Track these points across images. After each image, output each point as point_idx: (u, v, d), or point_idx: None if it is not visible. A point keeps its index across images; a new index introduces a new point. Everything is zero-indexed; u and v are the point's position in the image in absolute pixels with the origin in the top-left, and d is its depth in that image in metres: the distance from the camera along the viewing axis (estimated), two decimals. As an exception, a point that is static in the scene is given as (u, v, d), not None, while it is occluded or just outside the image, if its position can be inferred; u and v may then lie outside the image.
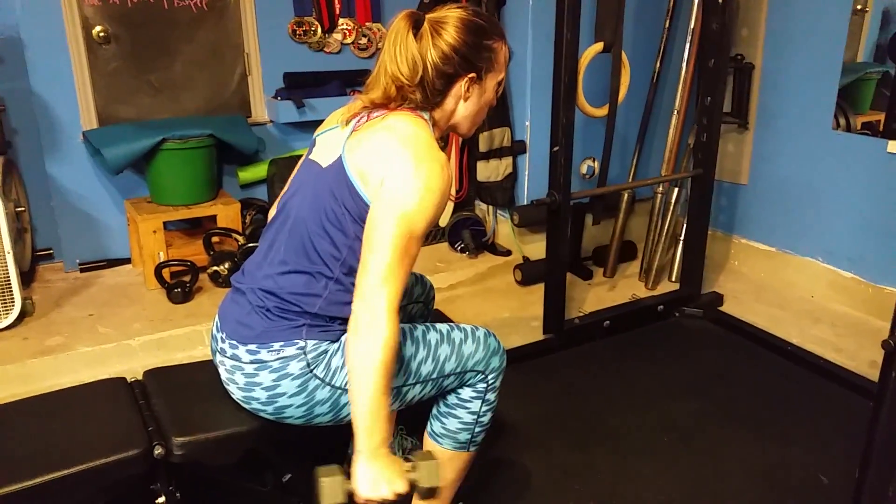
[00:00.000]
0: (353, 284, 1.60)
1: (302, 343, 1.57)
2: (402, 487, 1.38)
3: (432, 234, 3.91)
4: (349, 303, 1.60)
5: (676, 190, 3.54)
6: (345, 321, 1.62)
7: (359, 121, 1.60)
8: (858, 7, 3.10)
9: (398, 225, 1.44)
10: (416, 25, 1.58)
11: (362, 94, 1.65)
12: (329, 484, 1.34)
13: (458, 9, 1.63)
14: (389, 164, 1.50)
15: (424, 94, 1.60)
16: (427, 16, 1.61)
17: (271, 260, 1.64)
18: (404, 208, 1.46)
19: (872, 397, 1.66)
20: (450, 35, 1.58)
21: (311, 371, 1.57)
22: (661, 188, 3.59)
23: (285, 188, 1.74)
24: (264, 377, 1.58)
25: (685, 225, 3.38)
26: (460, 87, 1.63)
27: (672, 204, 3.54)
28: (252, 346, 1.58)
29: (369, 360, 1.39)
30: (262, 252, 1.68)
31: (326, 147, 1.65)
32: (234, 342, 1.61)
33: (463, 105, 1.67)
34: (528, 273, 3.53)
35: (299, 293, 1.58)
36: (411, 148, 1.52)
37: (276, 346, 1.57)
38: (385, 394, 1.41)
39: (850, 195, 3.23)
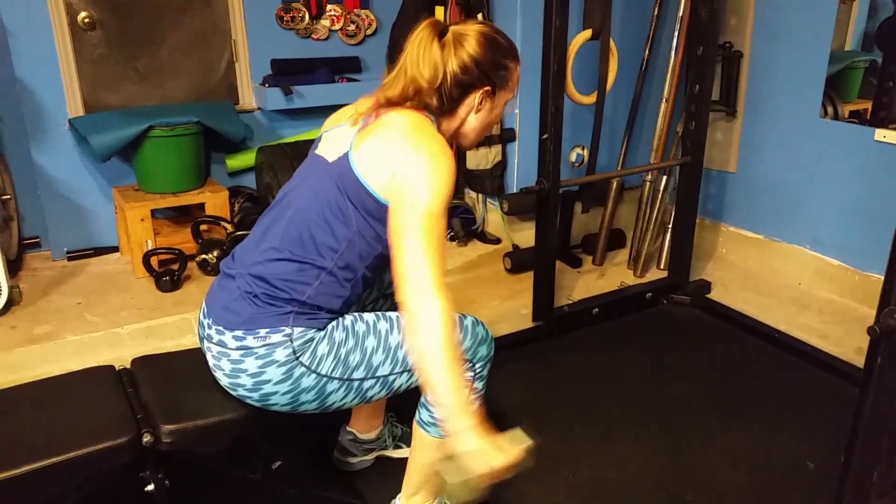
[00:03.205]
0: (346, 280, 1.63)
1: (288, 330, 1.57)
2: (515, 453, 1.40)
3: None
4: (341, 296, 1.62)
5: (665, 178, 3.54)
6: (332, 311, 1.63)
7: (367, 120, 1.63)
8: (846, -5, 3.11)
9: (421, 217, 1.47)
10: (440, 34, 1.64)
11: (378, 92, 1.68)
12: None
13: (479, 24, 1.69)
14: (396, 160, 1.54)
15: (441, 99, 1.65)
16: (451, 27, 1.66)
17: (264, 247, 1.64)
18: (421, 202, 1.49)
19: (858, 383, 1.68)
20: (471, 47, 1.64)
21: (297, 358, 1.58)
22: (649, 176, 3.60)
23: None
24: (250, 364, 1.58)
25: (673, 213, 3.39)
26: (474, 98, 1.68)
27: (660, 192, 3.55)
28: (238, 332, 1.58)
29: (432, 337, 1.40)
30: (256, 238, 1.69)
31: (333, 143, 1.67)
32: (221, 328, 1.61)
33: (473, 116, 1.72)
34: (518, 261, 3.54)
35: (290, 280, 1.59)
36: (413, 139, 1.56)
37: (263, 332, 1.57)
38: (458, 368, 1.43)
39: (838, 183, 3.24)
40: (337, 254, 1.60)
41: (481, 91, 1.67)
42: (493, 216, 3.87)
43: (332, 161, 1.63)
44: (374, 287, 2.00)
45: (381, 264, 1.70)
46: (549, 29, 2.64)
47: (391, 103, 1.65)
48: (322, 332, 1.61)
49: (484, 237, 3.85)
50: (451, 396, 1.42)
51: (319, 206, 1.61)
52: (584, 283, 3.49)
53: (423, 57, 1.62)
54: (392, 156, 1.55)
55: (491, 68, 1.66)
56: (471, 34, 1.65)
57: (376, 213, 1.59)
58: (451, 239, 3.82)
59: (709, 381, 2.73)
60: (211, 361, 1.66)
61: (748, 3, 3.46)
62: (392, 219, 1.52)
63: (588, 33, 2.90)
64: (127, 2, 3.45)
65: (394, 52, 3.65)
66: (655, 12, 3.59)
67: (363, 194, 1.57)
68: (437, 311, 1.41)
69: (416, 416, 1.82)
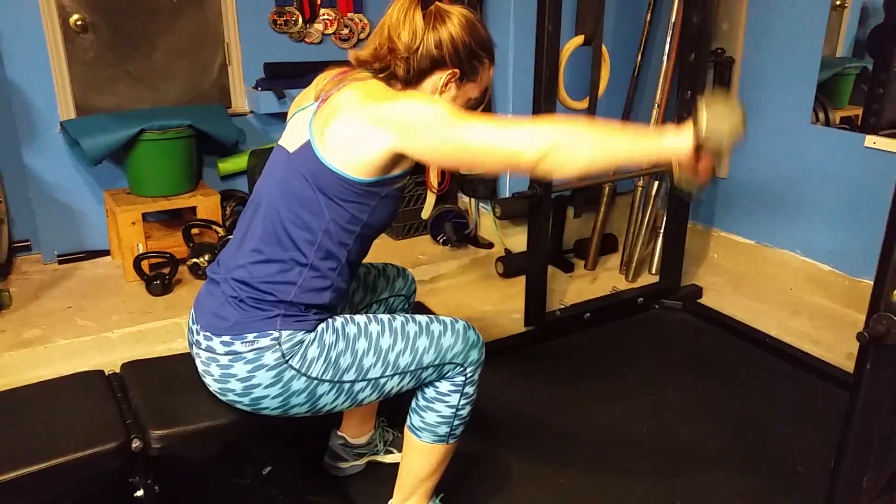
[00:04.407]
0: (330, 270, 1.61)
1: (276, 334, 1.57)
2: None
3: (414, 227, 3.91)
4: (325, 289, 1.61)
5: (657, 183, 3.55)
6: (320, 309, 1.62)
7: (326, 95, 1.61)
8: (837, 2, 3.12)
9: (445, 120, 1.48)
10: (424, 4, 1.62)
11: (358, 50, 1.68)
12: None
13: (465, 8, 1.67)
14: (367, 128, 1.52)
15: (407, 69, 1.62)
16: (436, 2, 1.64)
17: (245, 249, 1.64)
18: (429, 115, 1.50)
19: (848, 389, 1.68)
20: (453, 26, 1.62)
21: (287, 362, 1.57)
22: (641, 181, 3.61)
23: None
24: (239, 368, 1.57)
25: (665, 218, 3.40)
26: (441, 77, 1.64)
27: (652, 197, 3.55)
28: (226, 338, 1.58)
29: (569, 134, 1.46)
30: (237, 241, 1.68)
31: (294, 130, 1.65)
32: (209, 334, 1.60)
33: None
34: (510, 265, 3.54)
35: (273, 281, 1.58)
36: (371, 101, 1.54)
37: (251, 336, 1.56)
38: (608, 126, 1.50)
39: (828, 189, 3.26)
40: (314, 246, 1.58)
41: (449, 72, 1.64)
42: (485, 220, 3.87)
43: (293, 151, 1.61)
44: (367, 291, 2.00)
45: (363, 247, 1.68)
46: (542, 34, 2.65)
47: (360, 62, 1.64)
48: (312, 335, 1.60)
49: (476, 241, 3.85)
50: (632, 140, 1.49)
51: (288, 200, 1.59)
52: (576, 288, 3.49)
53: (404, 20, 1.60)
54: (360, 129, 1.52)
55: (465, 54, 1.64)
56: (455, 14, 1.63)
57: (350, 195, 1.56)
58: (444, 243, 3.81)
59: (699, 385, 2.73)
60: (200, 367, 1.65)
61: (741, 9, 3.47)
62: (418, 146, 1.52)
63: (580, 39, 2.91)
64: (120, 4, 3.44)
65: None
66: (648, 18, 3.60)
67: (333, 179, 1.54)
68: (551, 123, 1.47)
69: (408, 421, 1.81)
